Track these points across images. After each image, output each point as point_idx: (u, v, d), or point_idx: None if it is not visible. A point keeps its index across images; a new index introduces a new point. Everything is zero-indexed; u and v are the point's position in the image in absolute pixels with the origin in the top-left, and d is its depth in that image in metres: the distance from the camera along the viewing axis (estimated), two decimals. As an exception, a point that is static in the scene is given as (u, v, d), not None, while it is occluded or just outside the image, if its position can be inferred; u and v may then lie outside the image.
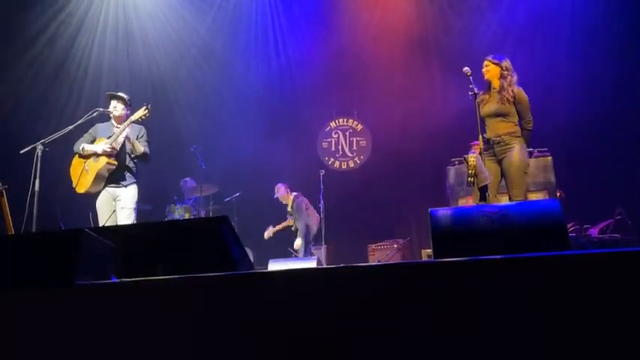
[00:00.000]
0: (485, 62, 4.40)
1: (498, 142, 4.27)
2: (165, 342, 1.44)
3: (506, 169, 4.23)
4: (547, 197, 5.43)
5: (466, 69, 4.34)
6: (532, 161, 5.67)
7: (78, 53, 8.14)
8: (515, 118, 4.28)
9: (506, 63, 4.33)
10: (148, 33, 8.43)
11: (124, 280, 1.65)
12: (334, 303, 1.39)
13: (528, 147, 4.50)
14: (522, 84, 4.46)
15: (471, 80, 4.32)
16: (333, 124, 9.12)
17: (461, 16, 8.15)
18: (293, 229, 7.16)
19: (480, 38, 7.96)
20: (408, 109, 7.73)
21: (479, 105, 4.33)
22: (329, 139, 9.08)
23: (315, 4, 8.72)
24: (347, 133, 9.06)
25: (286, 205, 7.24)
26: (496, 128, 4.30)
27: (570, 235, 4.98)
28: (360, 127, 9.03)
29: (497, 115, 4.30)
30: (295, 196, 7.14)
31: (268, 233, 7.26)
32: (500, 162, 4.27)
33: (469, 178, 4.09)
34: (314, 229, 7.05)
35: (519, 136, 4.26)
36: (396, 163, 8.01)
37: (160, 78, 8.52)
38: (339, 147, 9.03)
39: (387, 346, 1.33)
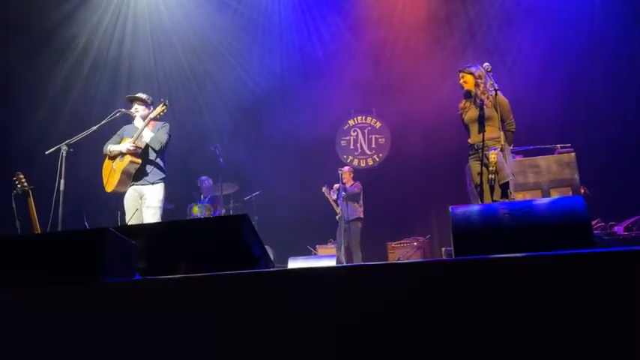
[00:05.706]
0: (461, 74, 4.54)
1: (482, 147, 4.27)
2: (188, 339, 1.46)
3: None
4: (571, 194, 5.33)
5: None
6: (556, 157, 5.61)
7: (102, 53, 8.26)
8: (498, 122, 4.29)
9: (479, 72, 4.43)
10: (171, 32, 8.50)
11: (147, 277, 1.68)
12: (354, 301, 1.40)
13: (511, 146, 4.59)
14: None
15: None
16: (351, 122, 9.10)
17: (484, 13, 8.04)
18: (337, 217, 7.30)
19: (501, 33, 7.85)
20: (427, 106, 7.65)
21: (462, 112, 4.52)
22: (347, 137, 9.07)
23: (332, 1, 8.71)
24: (365, 131, 9.03)
25: (342, 187, 7.38)
26: (479, 133, 4.34)
27: (595, 232, 4.88)
28: (378, 124, 8.99)
29: (480, 120, 4.34)
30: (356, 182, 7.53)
31: (326, 190, 7.55)
32: (486, 166, 4.28)
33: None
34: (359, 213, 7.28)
35: (503, 140, 4.31)
36: (416, 160, 7.95)
37: (182, 78, 8.62)
38: (358, 145, 9.01)
39: (408, 344, 1.32)
